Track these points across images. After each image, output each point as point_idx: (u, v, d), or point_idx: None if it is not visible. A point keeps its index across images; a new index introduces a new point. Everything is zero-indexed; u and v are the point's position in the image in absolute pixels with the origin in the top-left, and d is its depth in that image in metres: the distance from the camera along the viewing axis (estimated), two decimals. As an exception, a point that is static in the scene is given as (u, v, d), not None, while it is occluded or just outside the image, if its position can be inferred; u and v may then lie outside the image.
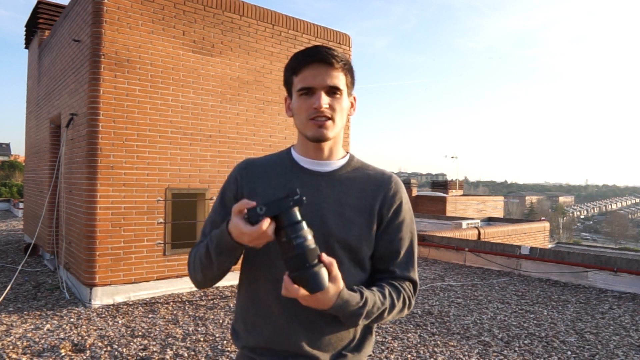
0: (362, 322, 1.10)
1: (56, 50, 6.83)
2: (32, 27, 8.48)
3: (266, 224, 0.95)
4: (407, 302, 1.19)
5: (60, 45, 6.54)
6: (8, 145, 64.53)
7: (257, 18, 6.37)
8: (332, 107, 1.12)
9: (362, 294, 1.08)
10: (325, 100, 1.10)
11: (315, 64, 1.10)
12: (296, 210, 0.97)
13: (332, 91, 1.12)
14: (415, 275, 1.23)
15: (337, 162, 1.21)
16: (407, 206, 1.23)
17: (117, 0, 5.15)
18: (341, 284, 1.02)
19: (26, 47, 9.32)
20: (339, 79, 1.12)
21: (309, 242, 0.96)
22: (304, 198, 0.97)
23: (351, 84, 1.18)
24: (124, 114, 5.23)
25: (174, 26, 5.60)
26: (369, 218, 1.17)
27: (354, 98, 1.22)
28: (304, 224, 0.97)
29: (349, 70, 1.16)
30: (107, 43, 5.10)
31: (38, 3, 7.92)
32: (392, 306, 1.14)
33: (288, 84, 1.18)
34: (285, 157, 1.24)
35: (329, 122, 1.12)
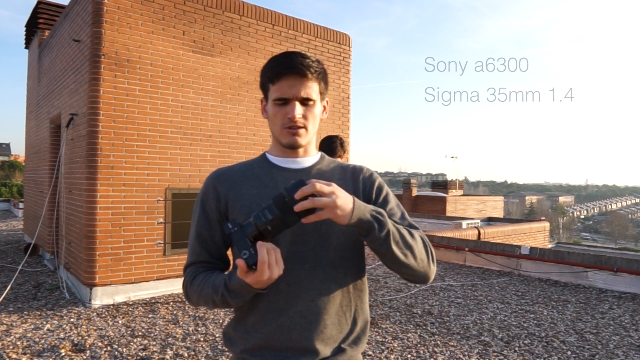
0: (392, 239, 1.08)
1: (56, 50, 6.83)
2: (32, 27, 8.48)
3: (263, 250, 0.97)
4: (425, 242, 1.20)
5: (60, 45, 6.54)
6: (8, 145, 64.52)
7: (257, 18, 6.37)
8: (305, 117, 1.18)
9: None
10: (299, 110, 1.16)
11: (290, 76, 1.15)
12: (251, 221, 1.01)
13: (306, 101, 1.18)
14: (414, 223, 1.27)
15: (311, 158, 1.28)
16: (385, 185, 1.31)
17: (117, 0, 5.15)
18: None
19: (26, 47, 9.32)
20: (313, 89, 1.18)
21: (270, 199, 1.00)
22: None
23: (325, 89, 1.24)
24: (124, 114, 5.23)
25: (174, 26, 5.60)
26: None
27: (327, 101, 1.29)
28: (262, 212, 1.00)
29: (322, 78, 1.22)
30: (107, 43, 5.10)
31: (38, 3, 7.92)
32: (411, 235, 1.16)
33: (264, 88, 1.23)
34: (261, 160, 1.29)
35: (302, 131, 1.19)
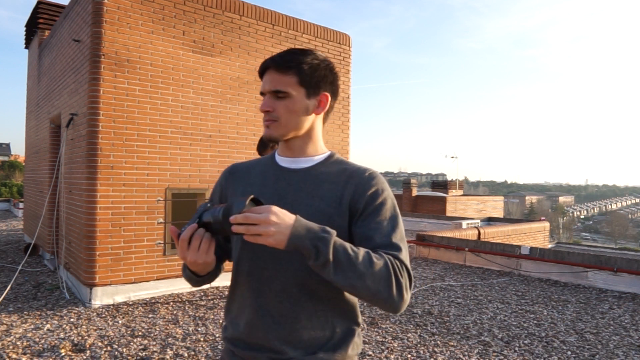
0: (332, 268, 1.00)
1: (56, 50, 6.83)
2: (32, 27, 8.48)
3: (187, 231, 1.06)
4: (392, 272, 1.05)
5: (60, 45, 6.54)
6: (8, 145, 64.51)
7: (257, 18, 6.37)
8: (275, 109, 1.18)
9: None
10: (267, 103, 1.18)
11: (268, 70, 1.19)
12: (205, 212, 1.09)
13: (277, 94, 1.17)
14: (400, 243, 1.13)
15: (314, 158, 1.25)
16: (385, 193, 1.18)
17: (117, 0, 5.15)
18: (292, 214, 1.03)
19: (26, 47, 9.32)
20: (285, 82, 1.17)
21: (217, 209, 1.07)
22: (208, 204, 1.13)
23: (317, 83, 1.20)
24: (124, 114, 5.23)
25: (174, 26, 5.60)
26: (339, 207, 1.16)
27: (324, 96, 1.21)
28: (216, 210, 1.06)
29: (306, 70, 1.18)
30: (107, 43, 5.10)
31: (38, 3, 7.92)
32: (369, 264, 1.03)
33: None
34: (269, 158, 1.32)
35: (274, 123, 1.18)
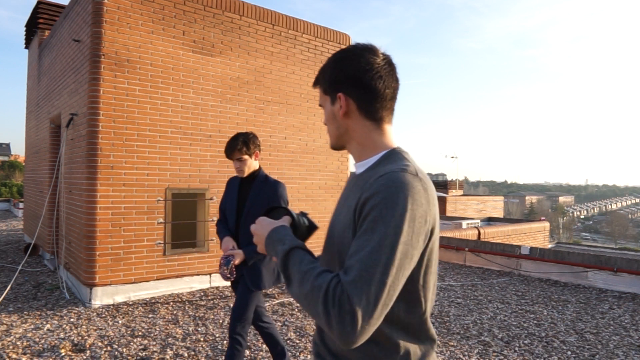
0: (285, 281, 1.04)
1: (56, 50, 6.83)
2: (32, 27, 8.48)
3: None
4: (326, 296, 0.90)
5: (60, 45, 6.54)
6: (8, 145, 64.53)
7: (257, 18, 6.37)
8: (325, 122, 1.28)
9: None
10: (324, 118, 1.27)
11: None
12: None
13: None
14: (360, 264, 0.92)
15: (368, 161, 1.17)
16: (379, 199, 0.97)
17: (117, 0, 5.15)
18: (274, 225, 1.14)
19: (26, 47, 9.33)
20: (320, 96, 1.25)
21: None
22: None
23: (331, 87, 1.17)
24: (124, 114, 5.23)
25: (174, 26, 5.60)
26: (352, 217, 1.06)
27: (341, 97, 1.14)
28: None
29: (323, 78, 1.21)
30: (107, 43, 5.10)
31: (38, 3, 7.93)
32: (301, 283, 0.96)
33: None
34: None
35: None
